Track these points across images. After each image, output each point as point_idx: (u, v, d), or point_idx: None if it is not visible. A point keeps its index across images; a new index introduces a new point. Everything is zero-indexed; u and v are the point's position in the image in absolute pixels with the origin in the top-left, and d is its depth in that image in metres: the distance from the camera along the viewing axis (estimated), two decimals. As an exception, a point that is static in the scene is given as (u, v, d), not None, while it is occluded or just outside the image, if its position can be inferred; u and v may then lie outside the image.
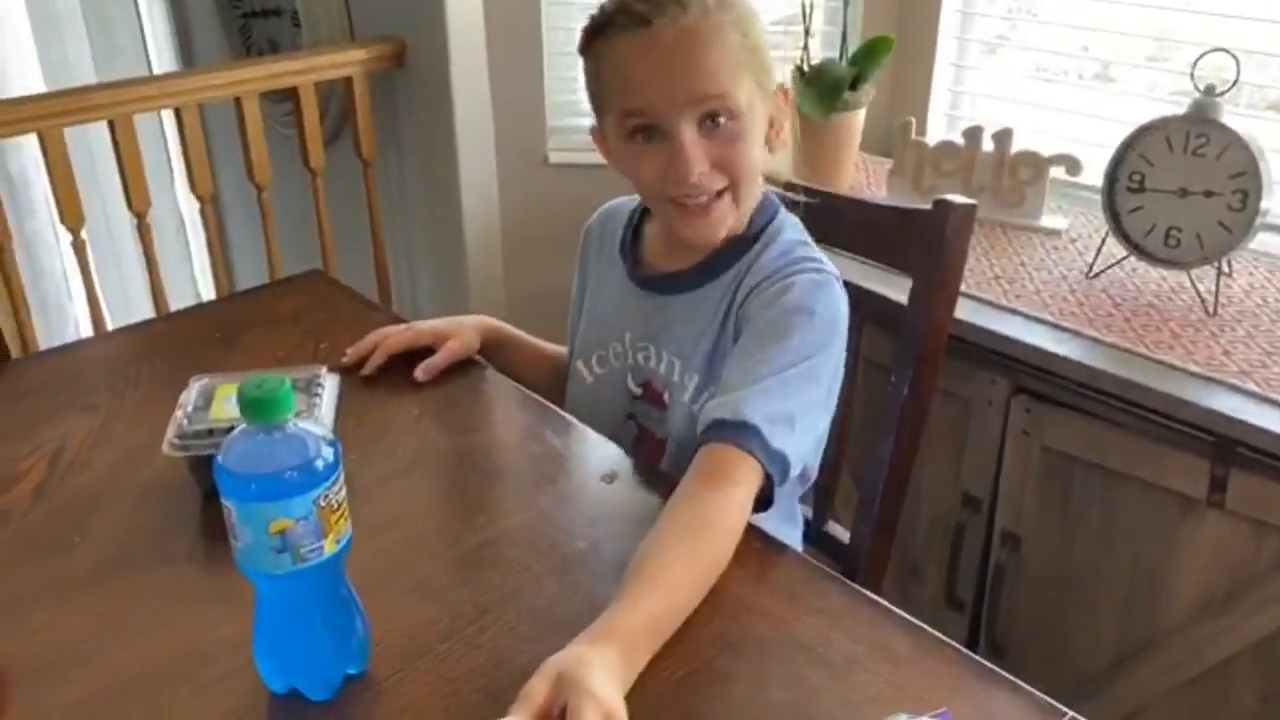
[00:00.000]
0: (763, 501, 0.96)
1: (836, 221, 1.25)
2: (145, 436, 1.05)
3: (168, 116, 2.50)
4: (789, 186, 1.16)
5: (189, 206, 2.98)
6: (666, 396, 1.13)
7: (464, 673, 0.80)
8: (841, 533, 1.33)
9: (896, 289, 1.21)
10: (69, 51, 3.11)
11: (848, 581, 0.91)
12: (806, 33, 1.96)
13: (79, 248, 2.00)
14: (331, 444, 0.75)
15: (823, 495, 1.33)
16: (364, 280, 2.39)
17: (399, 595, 0.89)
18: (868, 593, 0.89)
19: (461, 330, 1.26)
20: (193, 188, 2.14)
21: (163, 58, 3.16)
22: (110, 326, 2.14)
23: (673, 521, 0.89)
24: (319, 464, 0.73)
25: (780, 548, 0.95)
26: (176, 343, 1.32)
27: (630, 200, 1.22)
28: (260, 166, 2.19)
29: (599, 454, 1.10)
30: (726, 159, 1.02)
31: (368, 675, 0.81)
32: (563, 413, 1.16)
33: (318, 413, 1.01)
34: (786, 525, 1.20)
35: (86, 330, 2.13)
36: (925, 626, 0.84)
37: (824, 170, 1.94)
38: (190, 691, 0.80)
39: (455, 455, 1.11)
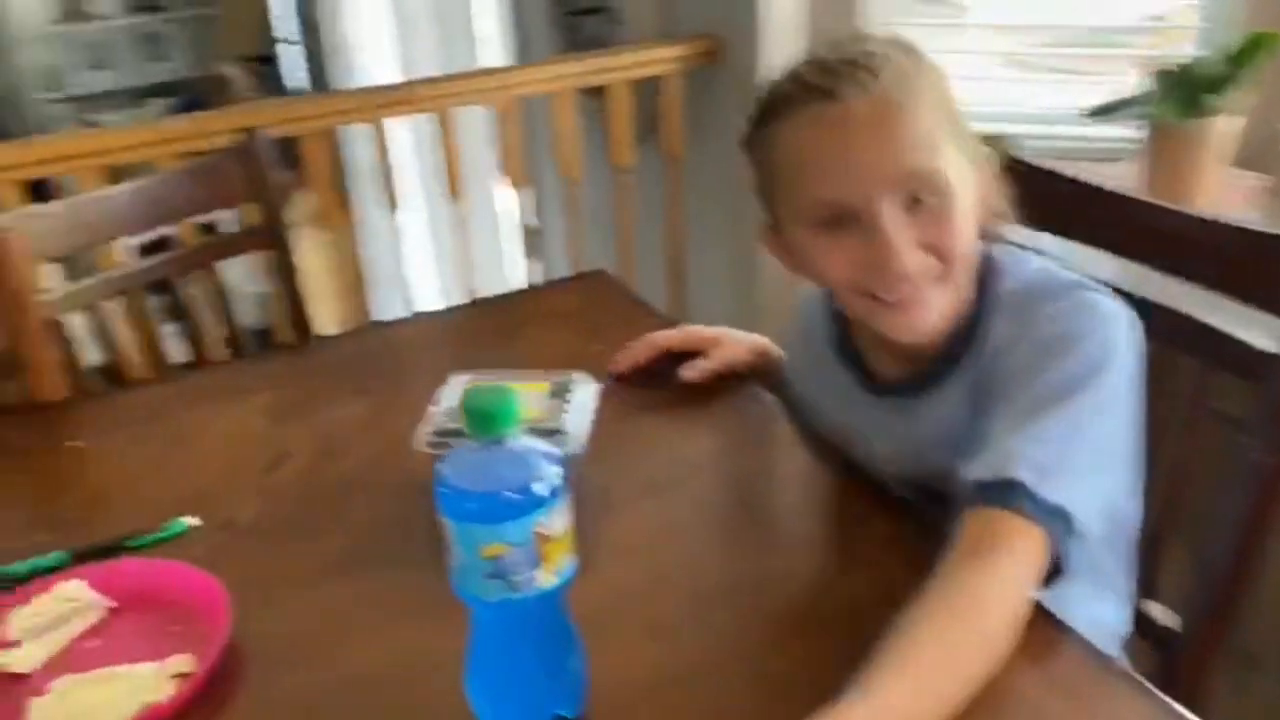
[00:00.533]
0: (1054, 570, 0.80)
1: (1177, 243, 1.05)
2: (408, 428, 1.04)
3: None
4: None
5: (503, 196, 3.08)
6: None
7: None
8: (1164, 614, 1.12)
9: (1252, 326, 0.99)
10: (419, 46, 3.33)
11: (1155, 690, 0.73)
12: (1170, 27, 1.71)
13: (398, 233, 2.10)
14: (559, 465, 0.69)
15: (1146, 569, 1.12)
16: (659, 280, 2.36)
17: (628, 633, 0.81)
18: (1179, 708, 0.71)
19: (739, 343, 1.17)
20: (507, 179, 2.19)
21: (498, 53, 3.29)
22: (416, 310, 2.25)
23: (928, 598, 0.74)
24: (540, 488, 0.67)
25: (1069, 634, 0.78)
26: (456, 334, 1.33)
27: (815, 295, 1.06)
28: (570, 163, 2.21)
29: (880, 513, 0.96)
30: (938, 240, 0.86)
31: (579, 718, 0.74)
32: (838, 450, 1.04)
33: (568, 420, 0.96)
34: (1105, 600, 1.02)
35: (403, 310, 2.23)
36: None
37: (1181, 185, 1.68)
38: (406, 702, 0.77)
39: (714, 481, 1.02)
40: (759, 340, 1.19)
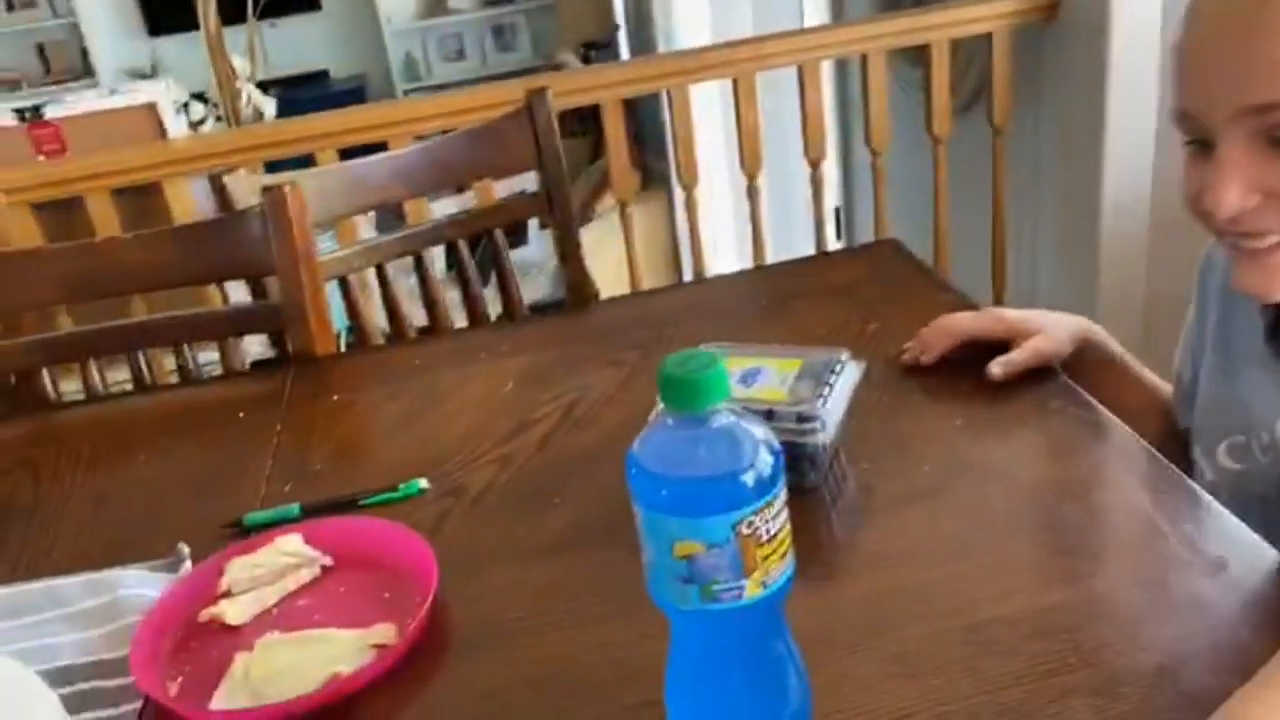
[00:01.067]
0: None
1: None
2: (654, 401, 0.95)
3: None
4: None
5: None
6: None
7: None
8: None
9: None
10: (737, 19, 3.27)
11: None
12: None
13: (690, 205, 2.03)
14: (774, 451, 0.56)
15: None
16: (976, 263, 2.14)
17: (870, 661, 0.67)
18: None
19: (1055, 329, 0.97)
20: (805, 151, 2.06)
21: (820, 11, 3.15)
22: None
23: None
24: (748, 478, 0.54)
25: None
26: (723, 305, 1.22)
27: None
28: (878, 131, 2.04)
29: (1220, 539, 0.75)
30: None
31: (795, 761, 0.61)
32: (1183, 477, 0.83)
33: (822, 404, 0.82)
34: None
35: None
36: None
37: None
38: (602, 711, 0.67)
39: (1001, 491, 0.84)
40: (1080, 323, 0.99)
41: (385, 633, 0.75)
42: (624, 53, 4.80)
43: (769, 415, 0.81)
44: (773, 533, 0.55)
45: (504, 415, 1.03)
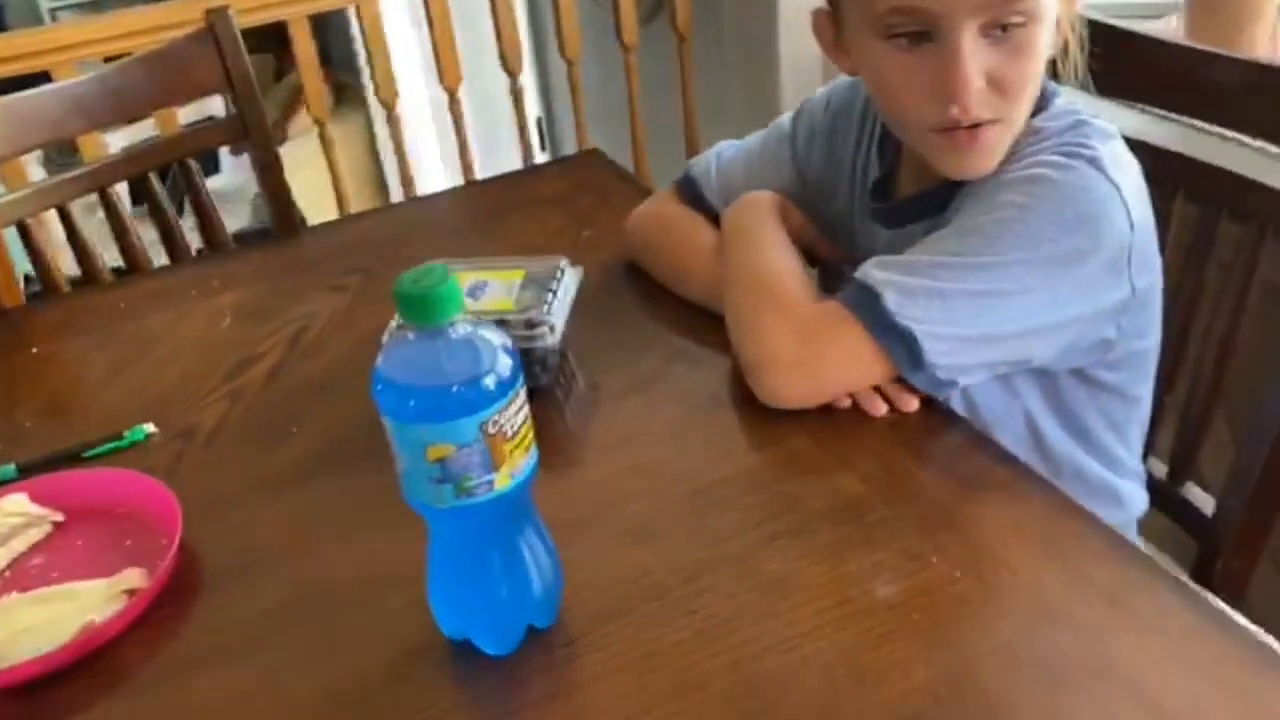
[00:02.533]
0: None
1: (1231, 95, 0.95)
2: (381, 325, 0.97)
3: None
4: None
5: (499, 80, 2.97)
6: None
7: (668, 646, 0.65)
8: (1204, 499, 1.04)
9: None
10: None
11: (1202, 592, 0.65)
12: None
13: (393, 122, 2.00)
14: (510, 354, 0.61)
15: (1183, 448, 1.04)
16: (672, 166, 2.25)
17: (606, 537, 0.74)
18: (1233, 613, 0.63)
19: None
20: (503, 64, 2.08)
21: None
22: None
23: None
24: (489, 381, 0.59)
25: (1106, 532, 0.71)
26: (439, 223, 1.25)
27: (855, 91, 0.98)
28: (570, 41, 2.08)
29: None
30: (1008, 78, 0.79)
31: (554, 632, 0.67)
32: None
33: (549, 311, 0.87)
34: (1121, 470, 0.95)
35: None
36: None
37: (1229, 36, 1.54)
38: (368, 619, 0.71)
39: (704, 375, 0.93)
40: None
41: (134, 577, 0.75)
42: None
43: (500, 324, 0.85)
44: (516, 428, 0.61)
45: (225, 352, 1.01)
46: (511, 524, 0.65)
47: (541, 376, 0.89)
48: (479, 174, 2.10)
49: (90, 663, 0.69)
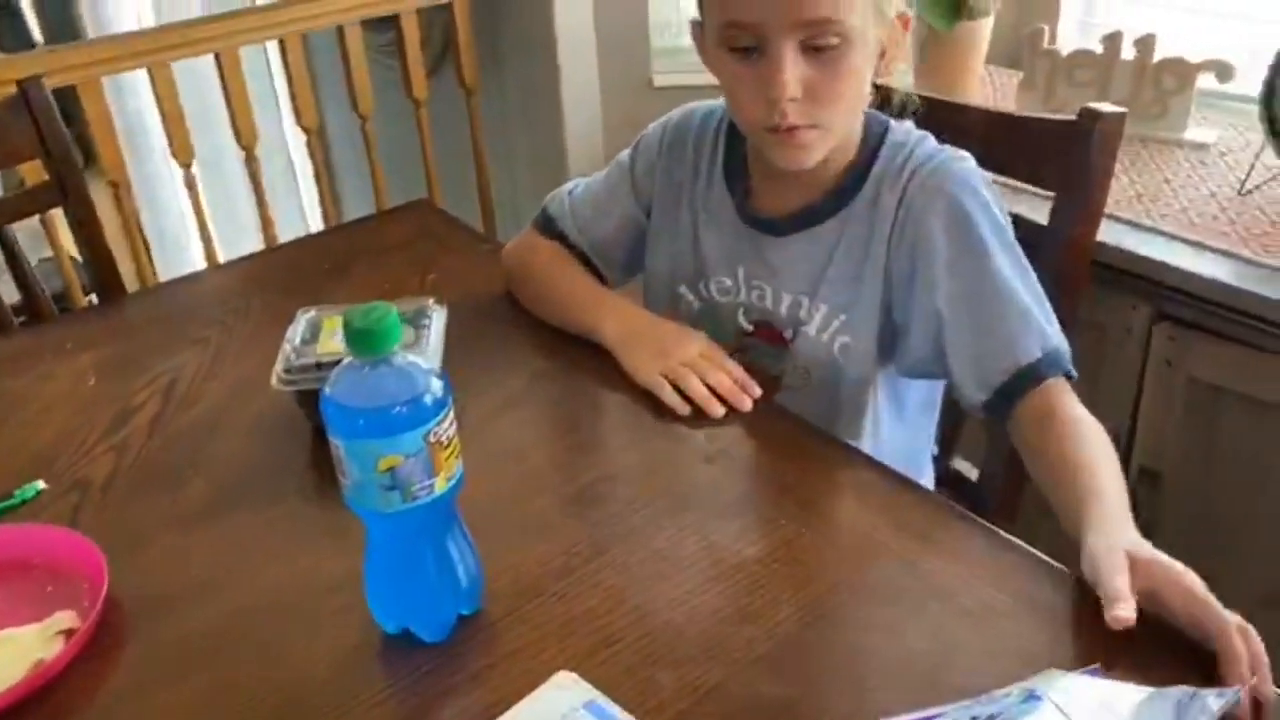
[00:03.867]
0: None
1: (966, 136, 1.17)
2: (254, 370, 1.04)
3: (273, 48, 2.50)
4: (902, 107, 1.08)
5: (297, 139, 2.99)
6: (788, 333, 1.07)
7: (580, 614, 0.77)
8: (970, 470, 1.26)
9: (1035, 208, 1.12)
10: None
11: (988, 525, 0.84)
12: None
13: (190, 183, 2.01)
14: (440, 377, 0.72)
15: (950, 430, 1.26)
16: (468, 210, 2.37)
17: (512, 533, 0.86)
18: (1011, 538, 0.82)
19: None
20: (298, 119, 2.13)
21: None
22: (222, 257, 2.17)
23: (1076, 444, 0.88)
24: (428, 399, 0.70)
25: (913, 487, 0.89)
26: (285, 275, 1.31)
27: (707, 111, 1.13)
28: (363, 96, 2.16)
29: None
30: (823, 90, 0.93)
31: (481, 616, 0.78)
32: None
33: (426, 345, 0.98)
34: (924, 454, 1.15)
35: (203, 264, 2.15)
36: (1070, 572, 0.77)
37: (948, 83, 1.82)
38: (303, 628, 0.79)
39: (567, 390, 1.07)
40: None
41: (66, 619, 0.79)
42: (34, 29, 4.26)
43: (383, 361, 0.96)
44: (450, 437, 0.72)
45: (99, 407, 1.05)
46: (442, 523, 0.76)
47: (422, 405, 0.99)
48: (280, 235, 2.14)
49: (40, 701, 0.73)
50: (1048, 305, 0.97)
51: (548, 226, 1.20)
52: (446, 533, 0.76)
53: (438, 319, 1.03)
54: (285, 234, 2.22)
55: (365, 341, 0.69)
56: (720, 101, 1.08)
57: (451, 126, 2.33)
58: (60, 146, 1.41)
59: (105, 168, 1.89)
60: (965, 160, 1.01)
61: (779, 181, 1.04)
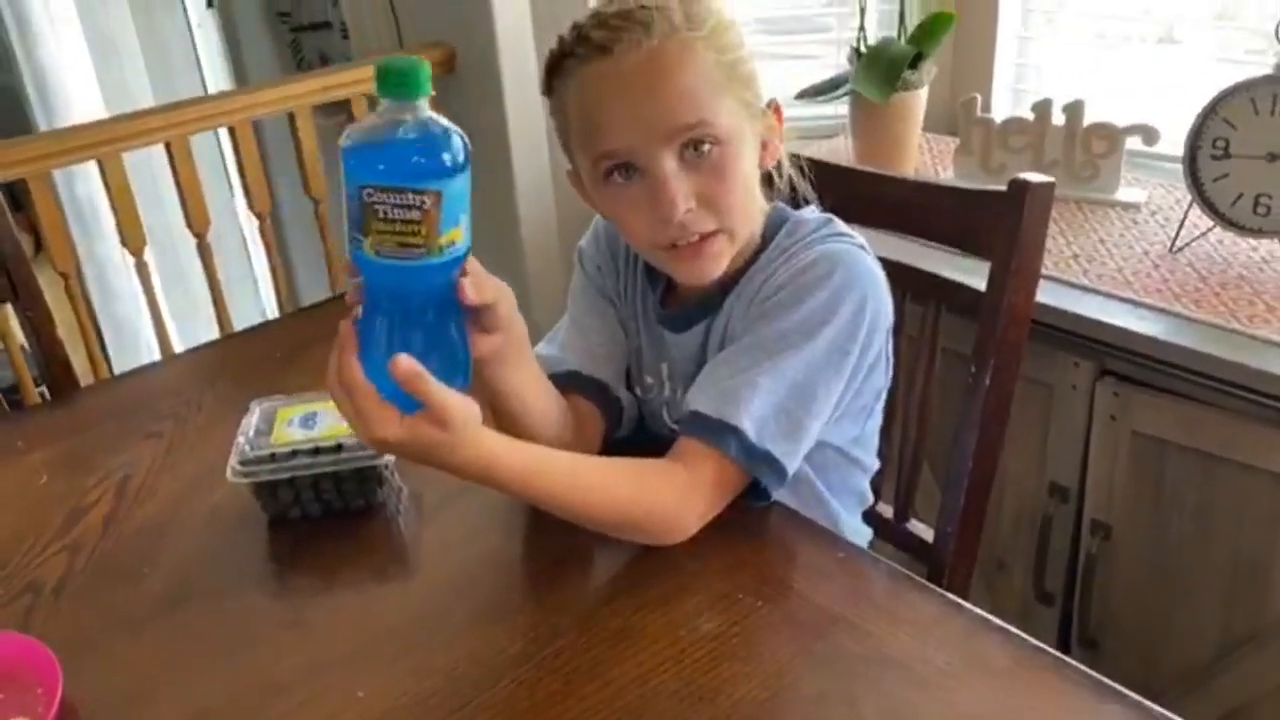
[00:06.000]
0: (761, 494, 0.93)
1: (901, 207, 1.21)
2: (209, 463, 1.04)
3: (224, 134, 2.54)
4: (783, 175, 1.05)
5: (250, 222, 3.01)
6: None
7: (542, 700, 0.77)
8: (924, 530, 1.28)
9: (973, 274, 1.15)
10: (126, 76, 3.15)
11: (937, 589, 0.86)
12: (862, 12, 1.91)
13: (143, 270, 2.02)
14: (458, 146, 0.73)
15: (903, 492, 1.28)
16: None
17: (466, 621, 0.86)
18: (959, 601, 0.84)
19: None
20: (249, 205, 2.15)
21: (217, 77, 3.19)
22: (178, 344, 2.16)
23: (617, 469, 0.88)
24: (389, 156, 0.70)
25: (864, 557, 0.91)
26: (238, 364, 1.31)
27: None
28: (316, 181, 2.19)
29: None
30: (714, 194, 0.91)
31: (438, 702, 0.78)
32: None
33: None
34: (850, 512, 1.15)
35: (157, 351, 2.15)
36: (1023, 635, 0.79)
37: (886, 153, 1.88)
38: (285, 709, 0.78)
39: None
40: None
41: (21, 726, 0.78)
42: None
43: (338, 449, 0.96)
44: (391, 216, 0.70)
45: (51, 506, 1.04)
46: (441, 294, 0.76)
47: (379, 494, 1.00)
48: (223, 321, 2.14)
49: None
50: (793, 424, 0.91)
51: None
52: (441, 311, 0.76)
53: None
54: (241, 313, 2.23)
55: (395, 82, 0.69)
56: None
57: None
58: (9, 244, 1.41)
59: (55, 261, 1.89)
60: (856, 247, 0.98)
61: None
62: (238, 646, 0.86)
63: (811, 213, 1.04)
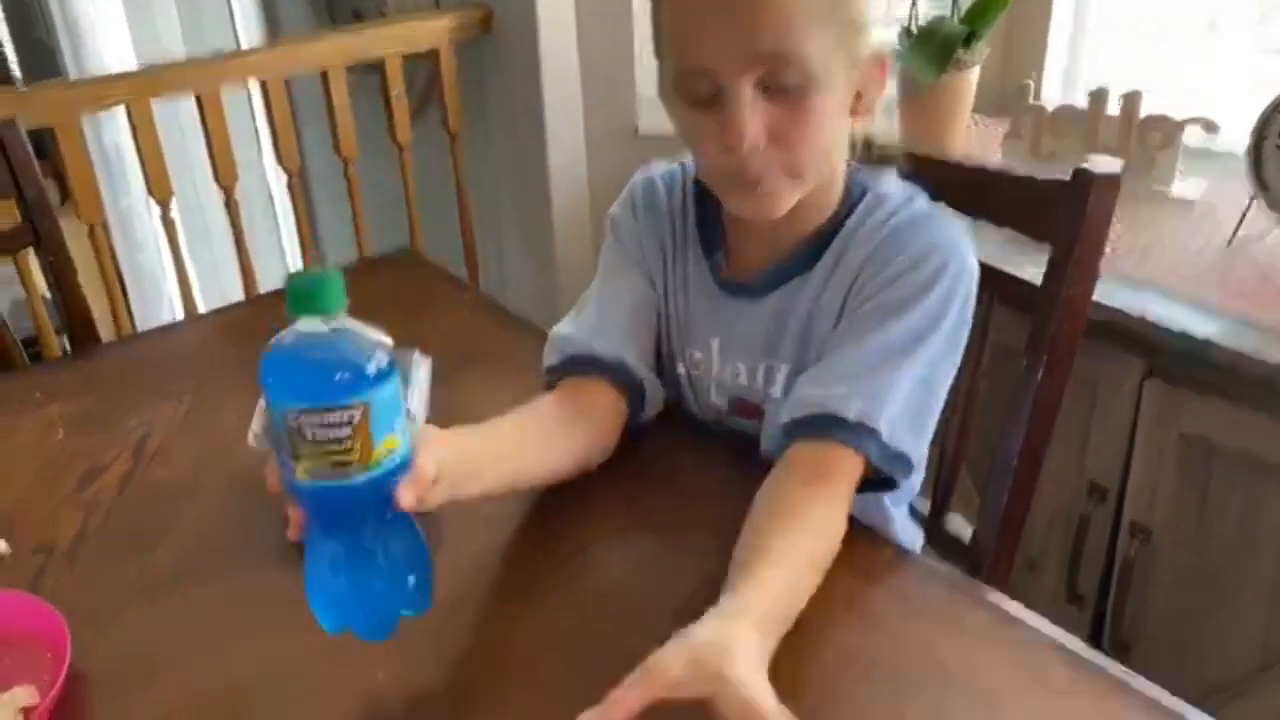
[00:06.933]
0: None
1: (955, 191, 1.15)
2: (230, 426, 1.01)
3: (255, 89, 2.50)
4: (881, 156, 1.00)
5: (278, 180, 2.97)
6: (764, 404, 1.02)
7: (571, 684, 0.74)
8: (963, 527, 1.24)
9: (1026, 267, 1.10)
10: (159, 27, 3.10)
11: (994, 595, 0.81)
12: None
13: (168, 222, 1.98)
14: (385, 350, 0.68)
15: (943, 489, 1.24)
16: (451, 255, 2.34)
17: (492, 599, 0.83)
18: (1020, 612, 0.79)
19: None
20: (279, 161, 2.11)
21: (250, 30, 3.14)
22: (200, 301, 2.14)
23: (784, 515, 0.81)
24: (370, 368, 0.66)
25: (918, 563, 0.87)
26: (263, 326, 1.26)
27: (665, 173, 1.06)
28: (347, 140, 2.14)
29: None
30: (790, 134, 0.85)
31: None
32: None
33: (411, 401, 0.95)
34: (910, 521, 1.12)
35: (179, 304, 2.12)
36: (1088, 652, 0.74)
37: (934, 134, 1.82)
38: (276, 707, 0.75)
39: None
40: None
41: (24, 695, 0.75)
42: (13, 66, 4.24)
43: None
44: (320, 437, 0.65)
45: (69, 463, 1.02)
46: (380, 514, 0.70)
47: (404, 464, 0.96)
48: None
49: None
50: (920, 421, 0.90)
51: (577, 368, 0.99)
52: (389, 526, 0.71)
53: (423, 371, 1.00)
54: (265, 272, 2.20)
55: (304, 301, 0.66)
56: (672, 162, 1.05)
57: (434, 169, 2.32)
58: (34, 190, 1.38)
59: (81, 209, 1.86)
60: (957, 226, 0.94)
61: (753, 240, 0.98)
62: (252, 622, 0.83)
63: (892, 179, 0.98)
